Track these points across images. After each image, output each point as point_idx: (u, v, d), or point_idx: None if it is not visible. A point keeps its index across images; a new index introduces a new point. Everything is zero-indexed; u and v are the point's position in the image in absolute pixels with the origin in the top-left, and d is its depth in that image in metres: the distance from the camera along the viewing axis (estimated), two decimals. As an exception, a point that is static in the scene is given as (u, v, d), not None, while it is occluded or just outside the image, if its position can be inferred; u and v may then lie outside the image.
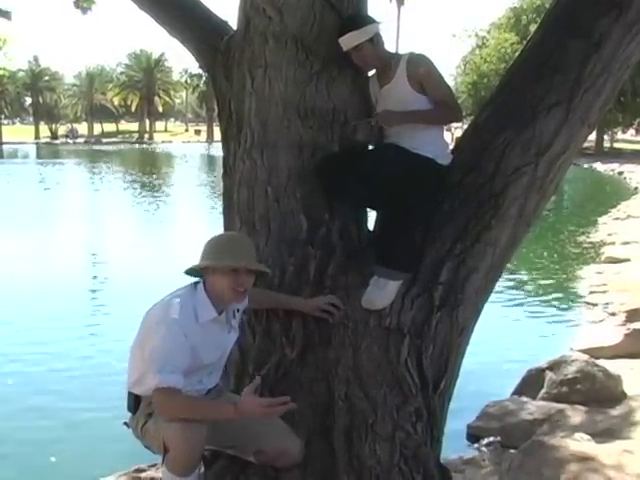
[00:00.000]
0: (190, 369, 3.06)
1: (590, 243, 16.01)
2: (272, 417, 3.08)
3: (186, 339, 3.02)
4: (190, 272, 3.21)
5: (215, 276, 3.11)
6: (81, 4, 8.17)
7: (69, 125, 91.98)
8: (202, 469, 3.37)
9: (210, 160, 50.00)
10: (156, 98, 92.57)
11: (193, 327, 3.06)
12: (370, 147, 3.96)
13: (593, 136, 45.62)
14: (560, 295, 11.56)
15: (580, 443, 4.98)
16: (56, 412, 6.67)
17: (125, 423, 3.35)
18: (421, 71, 3.66)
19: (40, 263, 13.48)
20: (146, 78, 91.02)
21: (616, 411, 6.06)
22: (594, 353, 7.60)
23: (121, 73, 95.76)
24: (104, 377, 7.30)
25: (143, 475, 4.44)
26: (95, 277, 12.90)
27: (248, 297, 3.38)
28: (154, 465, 4.53)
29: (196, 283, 3.20)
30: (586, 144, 28.42)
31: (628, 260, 13.16)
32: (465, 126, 4.59)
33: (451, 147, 3.97)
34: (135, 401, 3.24)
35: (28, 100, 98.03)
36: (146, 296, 3.25)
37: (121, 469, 4.68)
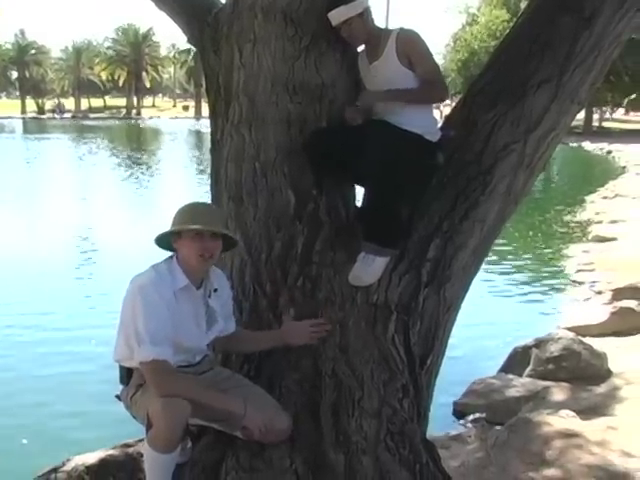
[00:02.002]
0: (174, 345, 3.07)
1: (578, 222, 16.08)
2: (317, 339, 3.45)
3: (163, 302, 3.04)
4: (161, 244, 3.23)
5: (182, 242, 3.14)
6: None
7: (56, 100, 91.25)
8: (190, 444, 3.38)
9: (198, 136, 49.76)
10: (144, 73, 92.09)
11: (167, 293, 3.09)
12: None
13: (582, 115, 45.68)
14: (547, 273, 11.61)
15: (565, 420, 5.03)
16: (44, 387, 6.67)
17: (117, 396, 3.34)
18: (409, 46, 3.63)
19: (21, 239, 13.41)
20: (134, 53, 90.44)
21: (601, 388, 6.12)
22: (580, 331, 7.65)
23: (108, 48, 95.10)
24: (91, 351, 7.31)
25: (131, 450, 4.44)
26: (78, 252, 12.88)
27: (239, 342, 3.52)
28: (142, 440, 4.52)
29: (172, 255, 3.22)
30: (575, 123, 28.45)
31: (615, 239, 13.23)
32: (454, 103, 4.56)
33: (440, 124, 3.95)
34: (127, 373, 3.24)
35: (14, 74, 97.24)
36: (128, 271, 3.25)
37: (109, 444, 4.68)
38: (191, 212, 3.18)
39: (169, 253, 3.24)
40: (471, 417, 5.82)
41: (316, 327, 3.52)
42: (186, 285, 3.15)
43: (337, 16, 3.63)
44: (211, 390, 3.20)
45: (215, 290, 3.32)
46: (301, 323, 3.55)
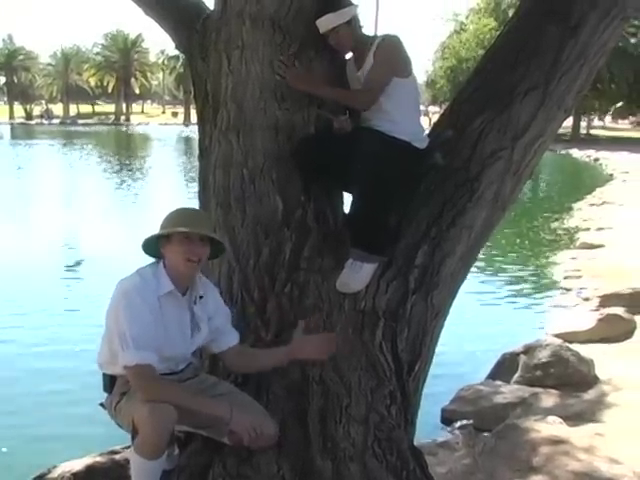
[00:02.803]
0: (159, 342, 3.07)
1: (565, 229, 16.14)
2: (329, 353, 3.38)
3: (147, 306, 3.03)
4: (148, 250, 3.22)
5: (169, 247, 3.12)
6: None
7: (44, 105, 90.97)
8: (177, 451, 3.37)
9: (187, 142, 49.70)
10: (133, 79, 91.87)
11: (151, 298, 3.07)
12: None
13: (569, 122, 45.92)
14: (535, 280, 11.65)
15: (552, 426, 5.04)
16: (28, 393, 6.64)
17: (101, 404, 3.33)
18: (378, 52, 3.65)
19: (5, 246, 13.35)
20: (123, 59, 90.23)
21: (588, 395, 6.14)
22: (568, 338, 7.67)
23: (97, 54, 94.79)
24: (78, 359, 7.27)
25: (117, 457, 4.42)
26: (65, 257, 12.82)
27: (248, 360, 3.45)
28: (128, 447, 4.51)
29: (159, 260, 3.20)
30: (562, 130, 28.60)
31: (602, 246, 13.28)
32: (442, 111, 4.58)
33: (427, 131, 3.97)
34: (111, 381, 3.23)
35: (2, 79, 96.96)
36: (115, 279, 3.23)
37: (95, 451, 4.66)
38: (180, 216, 3.17)
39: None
40: (458, 424, 5.83)
41: (327, 341, 3.44)
42: (171, 291, 3.14)
43: (325, 23, 3.65)
44: (197, 395, 3.19)
45: (200, 297, 3.30)
46: (312, 337, 3.45)
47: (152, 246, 3.20)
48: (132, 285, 3.07)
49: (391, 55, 3.68)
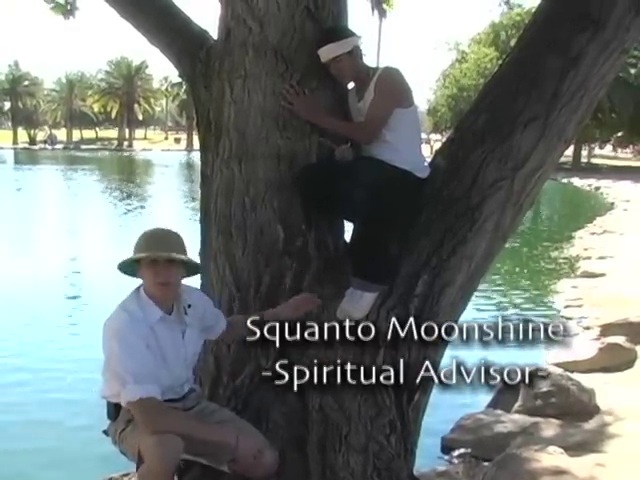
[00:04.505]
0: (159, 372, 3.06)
1: (566, 257, 16.11)
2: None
3: (141, 340, 3.02)
4: (122, 268, 3.23)
5: (141, 271, 3.14)
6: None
7: (48, 131, 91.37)
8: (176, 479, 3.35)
9: (189, 168, 49.84)
10: (136, 105, 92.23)
11: (144, 330, 3.07)
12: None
13: (571, 151, 46.09)
14: (536, 309, 11.60)
15: (553, 456, 5.00)
16: (24, 420, 6.60)
17: (104, 431, 3.32)
18: (378, 84, 3.70)
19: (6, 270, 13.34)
20: (126, 85, 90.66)
21: (589, 425, 6.10)
22: (569, 367, 7.63)
23: (101, 80, 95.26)
24: (76, 386, 7.24)
25: (116, 485, 4.41)
26: (66, 283, 12.80)
27: (230, 330, 3.49)
28: (127, 474, 4.50)
29: (139, 287, 3.20)
30: (563, 159, 28.68)
31: (603, 275, 13.25)
32: (443, 139, 4.60)
33: (429, 160, 3.99)
34: (115, 408, 3.22)
35: (7, 105, 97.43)
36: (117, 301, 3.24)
37: (92, 478, 4.64)
38: (147, 240, 3.16)
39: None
40: (456, 452, 5.79)
41: (306, 300, 3.58)
42: (161, 316, 3.14)
43: (326, 53, 3.69)
44: (203, 422, 3.19)
45: (189, 306, 3.30)
46: (291, 300, 3.59)
47: (129, 267, 3.20)
48: (122, 323, 3.05)
49: (392, 87, 3.72)
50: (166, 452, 2.93)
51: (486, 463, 5.33)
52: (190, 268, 3.29)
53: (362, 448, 3.33)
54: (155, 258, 3.08)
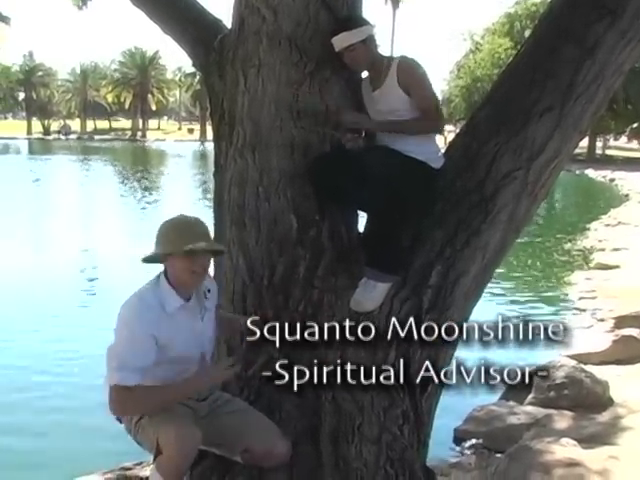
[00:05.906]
0: (161, 360, 3.06)
1: (580, 249, 16.04)
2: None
3: (152, 337, 3.02)
4: (148, 259, 3.20)
5: (172, 261, 3.11)
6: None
7: (62, 121, 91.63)
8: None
9: (202, 158, 49.90)
10: (150, 96, 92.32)
11: (161, 320, 3.06)
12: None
13: (585, 142, 45.82)
14: (549, 301, 11.57)
15: (566, 448, 4.99)
16: (40, 408, 6.63)
17: (118, 419, 3.33)
18: (408, 75, 3.67)
19: (21, 262, 13.40)
20: (140, 76, 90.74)
21: (603, 417, 6.08)
22: (582, 359, 7.60)
23: (115, 70, 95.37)
24: (89, 375, 7.27)
25: (129, 473, 4.42)
26: (80, 272, 12.88)
27: (223, 326, 3.51)
28: (140, 464, 4.51)
29: (160, 274, 3.18)
30: (578, 150, 28.51)
31: (618, 267, 13.20)
32: (457, 130, 4.58)
33: (443, 150, 3.97)
34: None
35: (21, 95, 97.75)
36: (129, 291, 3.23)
37: (106, 467, 4.66)
38: (178, 230, 3.13)
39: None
40: (467, 443, 5.79)
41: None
42: (181, 305, 3.14)
43: (340, 42, 3.67)
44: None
45: (209, 290, 3.32)
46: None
47: (152, 256, 3.19)
48: (133, 314, 3.06)
49: (422, 73, 3.72)
50: (185, 443, 2.95)
51: (498, 455, 5.33)
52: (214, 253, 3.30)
53: (375, 439, 3.33)
54: (197, 249, 3.06)
